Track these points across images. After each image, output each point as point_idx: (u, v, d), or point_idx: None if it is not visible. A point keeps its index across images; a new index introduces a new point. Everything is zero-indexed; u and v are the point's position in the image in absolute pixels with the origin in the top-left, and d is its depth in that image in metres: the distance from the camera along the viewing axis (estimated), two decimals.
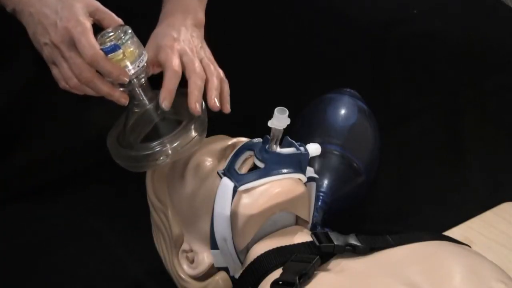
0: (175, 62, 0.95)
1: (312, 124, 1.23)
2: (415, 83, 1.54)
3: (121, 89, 0.92)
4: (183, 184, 0.97)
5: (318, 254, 0.83)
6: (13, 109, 1.18)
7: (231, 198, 0.90)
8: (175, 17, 1.03)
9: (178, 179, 0.99)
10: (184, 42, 0.98)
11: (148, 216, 1.05)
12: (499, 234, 1.17)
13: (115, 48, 0.88)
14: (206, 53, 1.02)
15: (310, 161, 0.96)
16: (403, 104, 1.49)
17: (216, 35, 1.44)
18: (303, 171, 0.94)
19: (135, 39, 0.91)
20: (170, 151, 0.93)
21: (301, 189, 0.93)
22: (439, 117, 1.46)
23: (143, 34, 0.93)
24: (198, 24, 1.06)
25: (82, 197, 1.20)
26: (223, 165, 0.94)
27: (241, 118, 1.34)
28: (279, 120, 0.88)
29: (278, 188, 0.91)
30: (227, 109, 0.99)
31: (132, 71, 0.91)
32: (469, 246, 0.88)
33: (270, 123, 0.89)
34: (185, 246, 0.97)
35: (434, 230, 0.96)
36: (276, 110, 0.88)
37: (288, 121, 0.89)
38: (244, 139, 0.99)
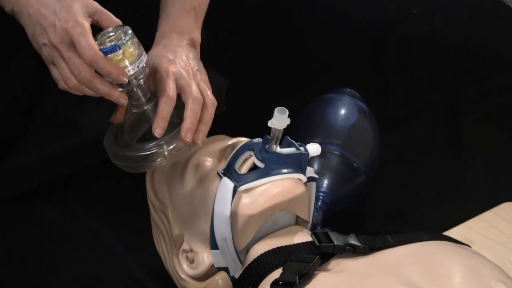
0: (170, 87, 0.94)
1: (312, 124, 1.23)
2: (415, 83, 1.55)
3: (120, 89, 0.92)
4: (183, 184, 0.97)
5: (318, 254, 0.83)
6: (13, 109, 1.17)
7: (231, 198, 0.90)
8: (171, 37, 1.01)
9: (178, 179, 0.98)
10: (180, 64, 0.97)
11: (148, 216, 1.05)
12: (499, 234, 1.17)
13: (115, 48, 0.88)
14: (202, 76, 1.00)
15: (310, 161, 0.96)
16: (403, 104, 1.49)
17: (216, 35, 1.44)
18: (303, 171, 0.94)
19: (135, 39, 0.91)
20: (166, 153, 0.93)
21: (301, 189, 0.93)
22: (439, 117, 1.47)
23: (143, 35, 0.93)
24: (194, 44, 1.04)
25: (82, 197, 1.21)
26: (223, 165, 0.94)
27: (241, 118, 1.35)
28: (279, 120, 0.88)
29: (278, 188, 0.91)
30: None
31: (132, 72, 0.90)
32: (469, 246, 0.88)
33: (270, 123, 0.89)
34: (185, 246, 0.97)
35: (434, 230, 0.96)
36: (276, 110, 0.88)
37: (288, 121, 0.89)
38: (244, 139, 0.99)
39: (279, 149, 0.92)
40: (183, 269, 0.97)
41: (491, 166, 1.35)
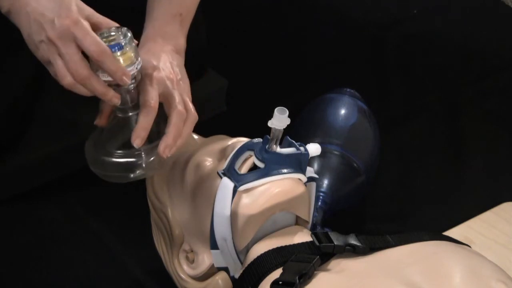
0: (153, 97, 0.92)
1: (312, 124, 1.23)
2: (415, 83, 1.55)
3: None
4: (183, 184, 0.97)
5: (318, 254, 0.83)
6: (13, 109, 1.18)
7: (231, 198, 0.90)
8: (155, 41, 1.00)
9: (178, 179, 0.98)
10: (164, 71, 0.96)
11: (148, 216, 1.05)
12: (499, 234, 1.17)
13: (119, 47, 0.88)
14: (185, 87, 0.99)
15: (310, 161, 0.96)
16: (403, 104, 1.49)
17: (216, 36, 1.45)
18: (303, 171, 0.94)
19: (134, 44, 0.90)
20: (145, 165, 0.92)
21: (301, 189, 0.93)
22: (439, 117, 1.47)
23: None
24: (179, 50, 1.03)
25: (81, 197, 1.21)
26: (223, 165, 0.94)
27: (241, 118, 1.35)
28: (279, 120, 0.88)
29: (278, 188, 0.91)
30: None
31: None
32: (469, 246, 0.88)
33: (270, 123, 0.89)
34: (185, 246, 0.97)
35: (434, 230, 0.96)
36: (276, 110, 0.88)
37: (288, 121, 0.89)
38: (244, 139, 0.99)
39: (279, 149, 0.92)
40: (183, 269, 0.97)
41: (491, 166, 1.35)
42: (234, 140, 1.00)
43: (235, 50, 1.56)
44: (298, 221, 0.96)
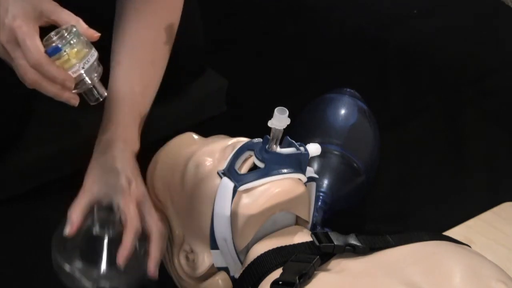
0: (134, 215, 0.94)
1: (312, 124, 1.23)
2: (415, 83, 1.55)
3: (74, 90, 0.88)
4: (183, 184, 0.97)
5: (318, 254, 0.83)
6: (12, 109, 1.17)
7: (231, 198, 0.90)
8: (117, 147, 1.00)
9: (178, 179, 0.98)
10: (136, 184, 0.97)
11: None
12: (499, 234, 1.17)
13: (56, 49, 0.85)
14: (148, 202, 0.99)
15: (310, 161, 0.96)
16: (403, 104, 1.49)
17: (216, 36, 1.45)
18: (303, 171, 0.94)
19: (82, 37, 0.87)
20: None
21: (301, 189, 0.93)
22: (439, 117, 1.46)
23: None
24: (135, 153, 1.02)
25: None
26: (223, 165, 0.94)
27: (241, 118, 1.35)
28: (279, 120, 0.88)
29: (278, 188, 0.91)
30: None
31: (81, 71, 0.87)
32: (469, 246, 0.88)
33: (270, 123, 0.89)
34: (185, 246, 0.97)
35: (434, 230, 0.96)
36: (276, 110, 0.88)
37: (288, 121, 0.89)
38: (244, 139, 0.99)
39: (279, 149, 0.92)
40: (183, 269, 0.97)
41: (491, 166, 1.35)
42: (234, 140, 1.00)
43: (235, 50, 1.55)
44: (298, 221, 0.96)
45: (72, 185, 1.21)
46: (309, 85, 1.46)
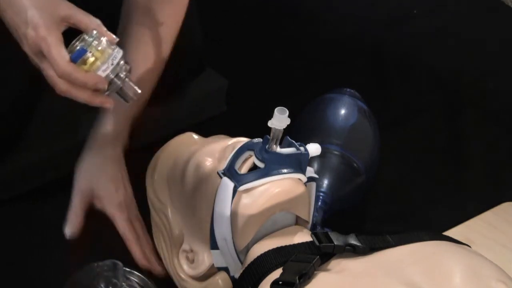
0: (128, 228, 1.04)
1: (312, 124, 1.23)
2: (415, 83, 1.55)
3: (106, 93, 0.90)
4: (183, 184, 0.97)
5: (318, 254, 0.83)
6: (13, 109, 1.17)
7: (231, 198, 0.90)
8: (112, 144, 1.05)
9: (178, 179, 0.98)
10: (126, 191, 1.05)
11: (148, 216, 1.05)
12: (499, 234, 1.17)
13: (81, 52, 0.86)
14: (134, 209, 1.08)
15: (310, 161, 0.96)
16: (403, 104, 1.49)
17: (215, 35, 1.44)
18: (303, 171, 0.94)
19: (102, 39, 0.88)
20: None
21: (301, 189, 0.93)
22: (439, 117, 1.46)
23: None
24: (123, 151, 1.09)
25: None
26: (223, 165, 0.94)
27: (241, 118, 1.35)
28: (279, 120, 0.88)
29: (278, 188, 0.91)
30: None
31: (108, 71, 0.88)
32: (469, 246, 0.88)
33: (270, 123, 0.89)
34: (185, 246, 0.97)
35: (434, 230, 0.96)
36: (276, 110, 0.88)
37: (288, 121, 0.89)
38: (244, 139, 0.99)
39: (279, 149, 0.92)
40: (183, 269, 0.97)
41: (491, 166, 1.35)
42: (234, 140, 1.00)
43: (235, 50, 1.55)
44: (298, 221, 0.96)
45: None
46: (309, 85, 1.46)
